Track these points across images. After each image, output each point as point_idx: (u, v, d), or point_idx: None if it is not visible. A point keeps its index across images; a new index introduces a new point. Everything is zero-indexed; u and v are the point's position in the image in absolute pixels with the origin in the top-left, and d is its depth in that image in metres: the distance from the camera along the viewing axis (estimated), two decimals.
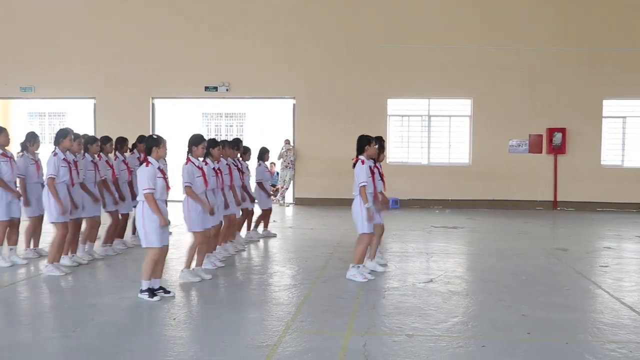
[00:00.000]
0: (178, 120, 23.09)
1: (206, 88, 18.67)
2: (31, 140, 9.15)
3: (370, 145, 8.26)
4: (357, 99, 18.16)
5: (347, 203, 17.52)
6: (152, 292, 7.02)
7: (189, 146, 7.97)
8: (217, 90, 18.66)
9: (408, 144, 18.57)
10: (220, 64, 18.46)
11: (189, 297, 7.29)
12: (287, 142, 18.68)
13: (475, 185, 18.13)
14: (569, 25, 17.84)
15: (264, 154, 11.65)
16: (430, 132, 18.51)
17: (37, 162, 9.25)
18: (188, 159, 7.97)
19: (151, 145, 7.06)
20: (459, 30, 18.04)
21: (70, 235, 8.73)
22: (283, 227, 13.47)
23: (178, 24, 18.59)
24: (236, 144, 10.37)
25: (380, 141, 8.82)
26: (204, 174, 8.06)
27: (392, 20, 18.12)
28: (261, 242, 11.34)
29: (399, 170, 17.79)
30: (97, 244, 9.77)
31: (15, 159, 9.13)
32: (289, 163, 18.36)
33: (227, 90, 18.63)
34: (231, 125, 26.76)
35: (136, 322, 6.20)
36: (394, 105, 18.55)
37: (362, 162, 8.15)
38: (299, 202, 18.47)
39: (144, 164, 6.99)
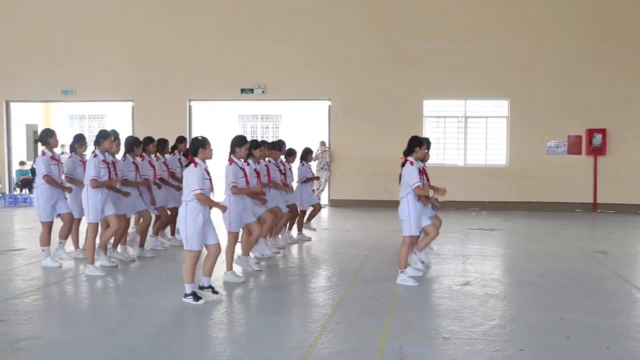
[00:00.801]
0: (214, 122, 23.28)
1: (242, 90, 18.80)
2: (79, 142, 9.31)
3: (421, 148, 8.16)
4: (392, 101, 18.10)
5: (382, 205, 17.71)
6: (196, 295, 7.01)
7: (231, 147, 8.10)
8: (253, 92, 18.77)
9: (444, 146, 18.43)
10: (256, 66, 18.57)
11: (225, 298, 7.33)
12: (322, 143, 18.71)
13: (512, 187, 17.91)
14: (608, 23, 17.51)
15: (307, 154, 11.69)
16: (467, 134, 18.35)
17: (85, 164, 9.34)
18: (231, 160, 8.11)
19: (197, 146, 7.10)
20: (495, 30, 17.85)
21: (121, 232, 8.97)
22: (318, 229, 13.47)
23: (214, 27, 18.75)
24: (278, 145, 10.45)
25: (428, 143, 8.73)
26: (245, 175, 8.20)
27: (429, 21, 18.01)
28: (296, 244, 11.36)
29: (435, 172, 17.38)
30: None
31: (64, 160, 9.37)
32: (324, 165, 18.38)
33: (263, 92, 18.74)
34: (267, 127, 26.89)
35: (173, 322, 6.26)
36: (430, 107, 18.44)
37: (412, 163, 8.04)
38: (334, 203, 18.47)
39: (191, 164, 7.02)
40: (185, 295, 7.03)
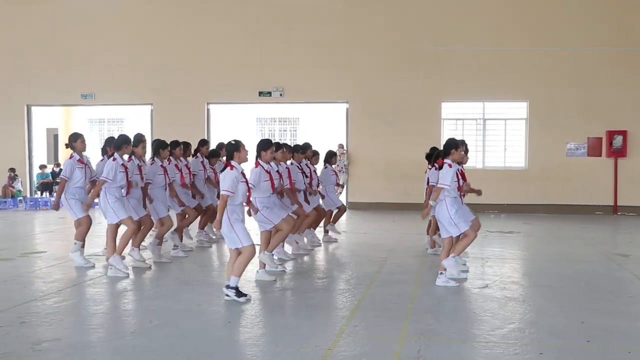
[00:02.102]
0: (232, 125, 23.35)
1: (260, 93, 18.87)
2: (111, 145, 9.39)
3: (457, 150, 8.11)
4: (410, 103, 18.06)
5: (400, 207, 17.67)
6: (239, 292, 7.10)
7: (257, 150, 8.19)
8: (271, 95, 18.83)
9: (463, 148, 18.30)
10: (274, 70, 18.62)
11: (242, 302, 7.33)
12: (340, 146, 18.70)
13: (531, 189, 17.79)
14: (627, 24, 17.36)
15: (330, 157, 11.71)
16: (485, 136, 18.26)
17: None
18: (257, 163, 8.23)
19: (232, 150, 7.21)
20: (513, 31, 17.76)
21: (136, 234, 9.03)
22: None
23: (232, 30, 18.84)
24: (302, 148, 10.48)
25: (465, 145, 8.67)
26: (271, 178, 8.31)
27: (446, 23, 17.96)
28: (320, 246, 11.34)
29: None
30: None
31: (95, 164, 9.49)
32: (342, 167, 18.37)
33: (281, 95, 18.79)
34: (285, 130, 26.91)
35: (192, 325, 6.29)
36: (448, 109, 18.38)
37: (450, 165, 8.01)
38: (352, 206, 18.45)
39: (227, 168, 7.13)
40: (228, 287, 7.11)
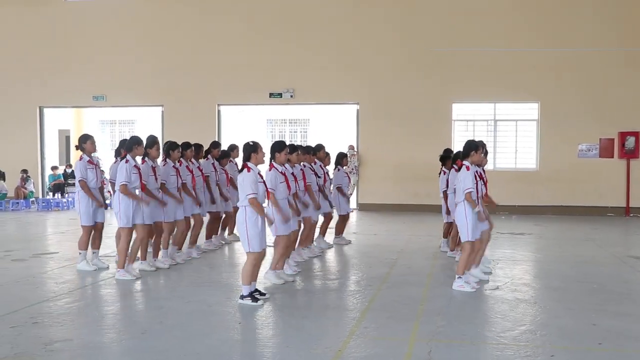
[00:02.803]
0: (243, 126, 23.40)
1: (271, 94, 18.90)
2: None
3: (477, 152, 8.04)
4: (421, 104, 18.04)
5: (410, 209, 17.66)
6: (254, 297, 7.13)
7: (271, 153, 8.08)
8: (281, 97, 18.86)
9: None
10: (284, 71, 18.65)
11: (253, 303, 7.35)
12: (350, 147, 18.71)
13: (542, 190, 17.72)
14: (638, 25, 17.24)
15: (341, 159, 11.70)
16: (496, 137, 18.21)
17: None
18: (271, 165, 8.12)
19: (249, 151, 7.22)
20: (524, 32, 17.70)
21: (146, 240, 9.02)
22: (347, 233, 13.45)
23: (242, 31, 18.89)
24: (314, 149, 10.47)
25: (484, 147, 8.60)
26: (287, 180, 8.21)
27: (456, 24, 17.92)
28: (332, 248, 11.34)
29: None
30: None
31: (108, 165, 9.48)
32: (352, 169, 18.36)
33: (291, 96, 18.81)
34: (295, 131, 26.95)
35: (203, 326, 6.31)
36: (459, 110, 18.34)
37: (467, 167, 7.96)
38: (362, 207, 18.44)
39: (245, 170, 7.15)
40: (242, 297, 7.15)
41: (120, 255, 8.63)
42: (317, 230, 11.13)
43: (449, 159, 10.41)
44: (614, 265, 9.77)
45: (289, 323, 6.57)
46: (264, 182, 7.29)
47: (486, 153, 8.63)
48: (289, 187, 8.28)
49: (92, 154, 9.23)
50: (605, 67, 17.34)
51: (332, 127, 24.79)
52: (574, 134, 17.50)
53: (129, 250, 8.65)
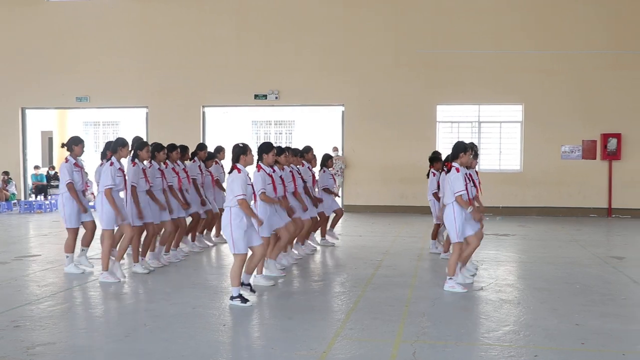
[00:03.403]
0: (228, 128, 23.35)
1: (256, 96, 18.86)
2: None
3: (466, 154, 8.07)
4: (406, 106, 18.09)
5: (396, 210, 17.70)
6: (243, 298, 7.14)
7: (259, 154, 8.14)
8: (266, 98, 18.83)
9: None
10: (269, 72, 18.63)
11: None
12: (334, 149, 18.71)
13: (526, 192, 17.83)
14: (622, 28, 17.41)
15: (326, 160, 11.71)
16: (481, 139, 18.29)
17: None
18: (259, 167, 8.21)
19: (239, 153, 7.23)
20: (509, 35, 17.80)
21: (136, 242, 8.98)
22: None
23: (228, 33, 18.85)
24: (301, 152, 10.45)
25: (474, 148, 8.59)
26: (273, 182, 8.31)
27: (441, 26, 17.99)
28: (318, 249, 11.33)
29: None
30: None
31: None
32: (337, 170, 18.37)
33: (276, 98, 18.79)
34: (280, 133, 26.94)
35: (187, 328, 6.28)
36: (444, 112, 18.41)
37: (457, 169, 7.97)
38: (347, 209, 18.44)
39: (235, 171, 7.16)
40: (232, 298, 7.16)
41: (103, 257, 8.57)
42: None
43: (438, 161, 10.46)
44: (597, 266, 9.84)
45: (274, 324, 6.56)
46: (251, 184, 7.31)
47: (476, 155, 8.68)
48: (275, 189, 8.32)
49: (78, 157, 9.17)
50: (588, 70, 17.47)
51: (317, 129, 24.80)
52: (558, 135, 17.63)
53: (116, 249, 8.61)
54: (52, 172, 20.86)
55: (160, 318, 6.67)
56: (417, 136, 18.00)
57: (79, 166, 9.05)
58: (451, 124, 18.47)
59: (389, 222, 15.85)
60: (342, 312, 6.92)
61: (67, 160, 9.02)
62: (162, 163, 9.57)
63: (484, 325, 6.43)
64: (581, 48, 17.49)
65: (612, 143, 17.31)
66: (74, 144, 9.07)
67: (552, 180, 17.65)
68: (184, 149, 10.56)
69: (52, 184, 20.24)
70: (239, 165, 7.19)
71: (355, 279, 8.71)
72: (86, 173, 9.58)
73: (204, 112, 19.38)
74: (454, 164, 8.05)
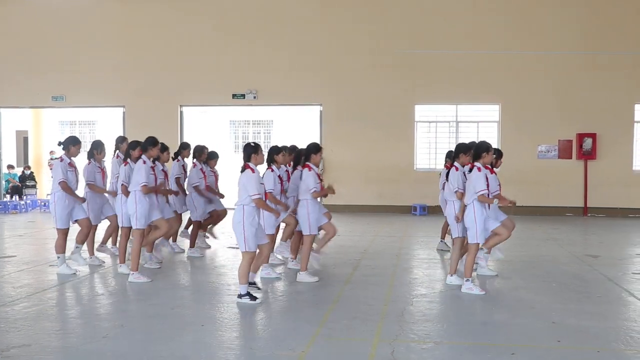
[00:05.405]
0: (206, 127, 23.25)
1: (234, 96, 18.80)
2: (98, 149, 9.38)
3: (489, 153, 8.06)
4: (384, 106, 18.14)
5: (374, 210, 17.73)
6: (252, 295, 7.19)
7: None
8: (244, 98, 18.77)
9: (436, 150, 18.45)
10: (247, 72, 18.57)
11: (216, 304, 7.30)
12: None
13: (504, 191, 17.75)
14: (598, 29, 17.61)
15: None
16: (458, 138, 18.37)
17: (103, 170, 9.50)
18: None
19: (250, 152, 7.29)
20: (487, 35, 17.93)
21: (124, 242, 9.01)
22: None
23: (205, 32, 18.76)
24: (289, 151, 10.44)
25: (496, 149, 8.70)
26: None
27: (419, 26, 18.07)
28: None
29: (426, 177, 17.72)
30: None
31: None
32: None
33: (254, 97, 18.74)
34: (259, 133, 26.88)
35: (165, 328, 6.24)
36: (422, 112, 18.49)
37: (479, 169, 7.96)
38: (325, 208, 18.41)
39: (248, 170, 7.21)
40: (240, 296, 7.21)
41: (133, 258, 8.48)
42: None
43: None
44: (574, 265, 9.95)
45: (253, 325, 6.54)
46: (263, 184, 7.49)
47: (500, 155, 8.70)
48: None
49: (72, 158, 9.08)
50: (565, 70, 17.65)
51: (295, 128, 24.77)
52: (534, 135, 17.79)
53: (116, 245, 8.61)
54: (27, 172, 20.59)
55: (138, 319, 6.62)
56: (395, 136, 18.07)
57: (73, 166, 9.00)
58: (429, 124, 18.56)
59: (367, 221, 15.88)
60: (320, 312, 6.91)
61: (62, 159, 8.93)
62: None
63: (461, 324, 6.47)
64: (557, 49, 17.67)
65: (588, 143, 17.51)
66: (72, 144, 8.98)
67: (528, 180, 17.78)
68: (164, 148, 10.47)
69: (27, 184, 19.98)
70: (251, 165, 7.25)
71: (333, 278, 8.72)
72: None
73: (181, 112, 19.27)
74: (476, 163, 8.04)
